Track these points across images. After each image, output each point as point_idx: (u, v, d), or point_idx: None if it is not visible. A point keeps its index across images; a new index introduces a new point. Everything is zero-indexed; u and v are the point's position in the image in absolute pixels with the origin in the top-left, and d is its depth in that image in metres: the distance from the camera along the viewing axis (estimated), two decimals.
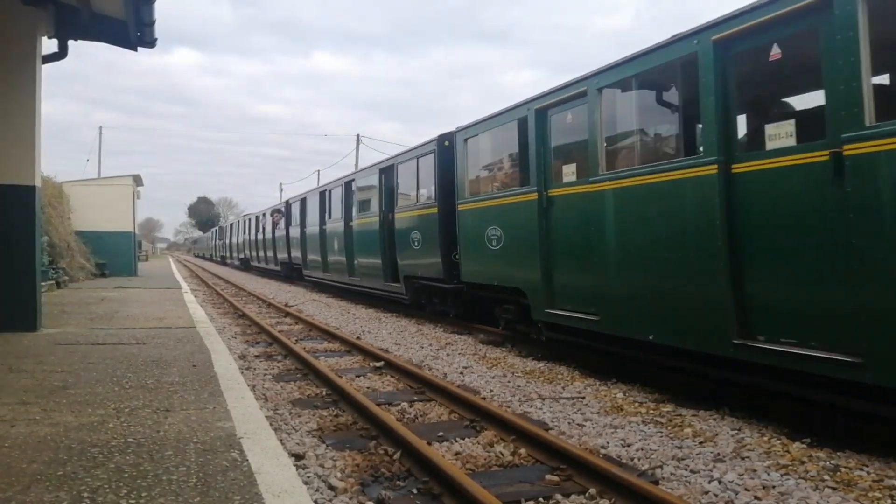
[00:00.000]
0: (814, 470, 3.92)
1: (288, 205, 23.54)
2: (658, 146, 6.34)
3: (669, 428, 4.88)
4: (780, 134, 4.64)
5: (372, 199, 14.06)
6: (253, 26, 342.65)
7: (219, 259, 52.15)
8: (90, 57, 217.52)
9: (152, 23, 8.14)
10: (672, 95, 6.11)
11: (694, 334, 5.30)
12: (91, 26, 8.40)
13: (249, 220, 33.84)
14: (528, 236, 7.64)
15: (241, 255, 36.98)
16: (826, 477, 3.82)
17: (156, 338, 7.80)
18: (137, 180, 24.90)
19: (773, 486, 3.67)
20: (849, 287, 4.14)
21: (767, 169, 4.69)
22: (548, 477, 3.88)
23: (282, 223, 24.12)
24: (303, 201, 21.14)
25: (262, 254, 29.20)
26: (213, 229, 65.38)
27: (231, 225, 44.19)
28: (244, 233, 35.25)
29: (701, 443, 4.49)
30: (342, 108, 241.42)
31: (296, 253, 21.76)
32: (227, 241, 44.90)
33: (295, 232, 22.11)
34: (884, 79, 5.44)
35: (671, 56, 5.55)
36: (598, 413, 5.33)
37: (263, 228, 28.45)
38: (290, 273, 23.94)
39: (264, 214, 28.59)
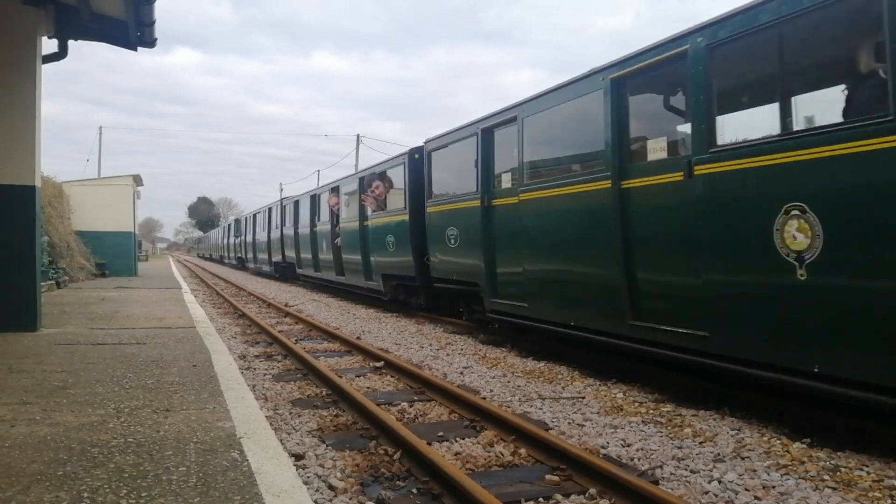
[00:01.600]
0: (814, 470, 3.92)
1: (415, 157, 11.36)
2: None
3: (669, 428, 4.88)
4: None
5: None
6: (253, 26, 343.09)
7: (234, 262, 39.96)
8: (90, 57, 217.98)
9: (152, 23, 8.15)
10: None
11: None
12: (91, 26, 8.41)
13: (294, 204, 21.39)
14: None
15: (277, 259, 24.59)
16: (826, 477, 3.82)
17: (156, 338, 7.80)
18: (137, 180, 24.92)
19: (773, 486, 3.67)
20: None
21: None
22: (548, 477, 3.88)
23: (390, 196, 12.91)
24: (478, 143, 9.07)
25: (327, 257, 17.06)
26: (225, 224, 52.49)
27: (255, 216, 30.70)
28: (284, 224, 23.05)
29: (701, 443, 4.49)
30: (342, 108, 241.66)
31: (452, 259, 9.86)
32: (249, 239, 32.23)
33: (448, 215, 9.93)
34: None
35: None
36: (598, 413, 5.33)
37: (334, 215, 16.40)
38: (409, 298, 12.40)
39: (335, 190, 16.47)
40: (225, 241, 45.53)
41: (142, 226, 79.03)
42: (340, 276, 16.12)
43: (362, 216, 13.93)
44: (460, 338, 9.57)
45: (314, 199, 18.81)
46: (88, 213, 22.34)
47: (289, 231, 22.19)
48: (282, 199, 24.52)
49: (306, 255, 19.57)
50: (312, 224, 18.72)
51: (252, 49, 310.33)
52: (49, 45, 8.54)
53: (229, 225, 44.64)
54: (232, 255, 40.89)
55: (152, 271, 28.80)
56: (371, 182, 13.40)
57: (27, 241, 8.03)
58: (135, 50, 8.90)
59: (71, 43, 8.69)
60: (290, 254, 22.01)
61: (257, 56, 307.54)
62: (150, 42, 8.69)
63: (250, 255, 32.24)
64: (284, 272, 24.52)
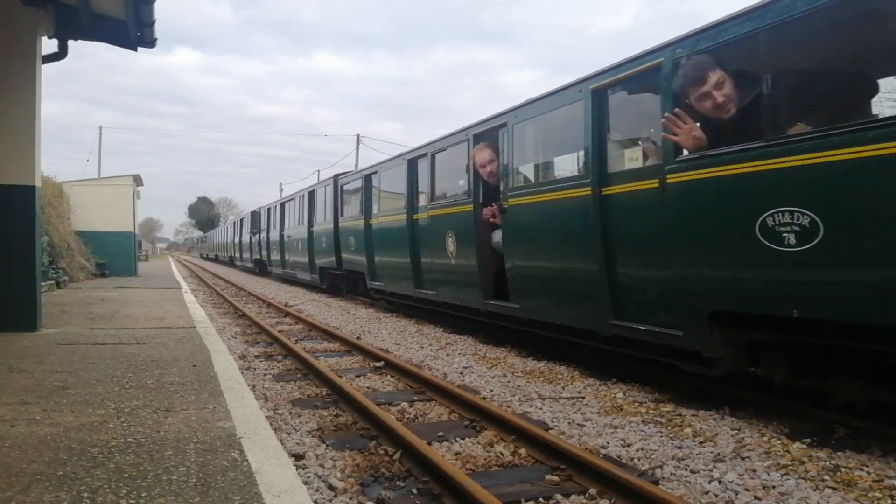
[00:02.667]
0: (814, 470, 3.92)
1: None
2: None
3: (669, 428, 4.88)
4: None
5: None
6: (253, 26, 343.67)
7: (249, 264, 32.25)
8: (90, 57, 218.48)
9: (152, 23, 8.15)
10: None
11: None
12: (91, 26, 8.41)
13: (364, 181, 13.80)
14: None
15: (325, 263, 16.88)
16: (826, 477, 3.82)
17: (156, 338, 7.80)
18: (137, 180, 24.92)
19: (773, 486, 3.67)
20: None
21: None
22: (548, 477, 3.88)
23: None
24: None
25: (458, 265, 9.22)
26: (235, 219, 43.01)
27: (283, 205, 23.31)
28: (342, 213, 15.72)
29: (701, 443, 4.49)
30: (342, 108, 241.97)
31: None
32: (274, 236, 24.33)
33: None
34: None
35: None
36: (598, 413, 5.33)
37: (479, 186, 8.70)
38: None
39: (488, 137, 8.54)
40: (237, 238, 36.94)
41: (142, 226, 78.99)
42: (496, 302, 8.39)
43: (600, 178, 6.18)
44: (460, 338, 9.57)
45: (414, 169, 10.95)
46: (88, 213, 22.35)
47: (352, 223, 14.53)
48: (337, 177, 16.14)
49: (395, 258, 11.68)
50: (411, 208, 10.93)
51: (252, 49, 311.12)
52: (49, 45, 8.55)
53: (242, 220, 35.99)
54: (246, 256, 33.00)
55: (152, 271, 28.80)
56: (697, 76, 5.03)
57: (27, 241, 8.03)
58: (135, 50, 8.90)
59: (71, 43, 8.69)
60: (355, 257, 14.26)
61: (257, 56, 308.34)
62: (150, 42, 8.69)
63: (275, 258, 24.31)
64: (338, 284, 17.17)
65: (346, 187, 15.61)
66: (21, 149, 7.94)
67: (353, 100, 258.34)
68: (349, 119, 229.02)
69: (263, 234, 27.25)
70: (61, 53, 8.65)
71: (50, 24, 8.28)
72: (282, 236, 22.95)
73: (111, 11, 8.26)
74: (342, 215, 15.68)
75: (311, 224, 18.53)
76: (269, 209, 26.63)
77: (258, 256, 28.95)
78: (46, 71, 8.47)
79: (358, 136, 42.93)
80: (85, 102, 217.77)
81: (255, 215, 30.24)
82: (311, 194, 18.79)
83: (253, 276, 29.32)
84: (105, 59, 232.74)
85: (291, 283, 21.93)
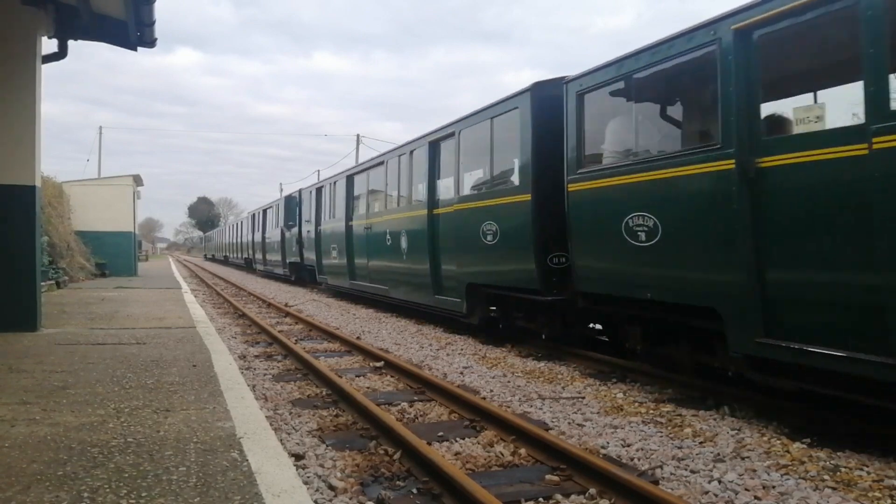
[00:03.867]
0: (814, 470, 3.92)
1: None
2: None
3: (669, 428, 4.88)
4: None
5: None
6: (253, 26, 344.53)
7: (280, 270, 23.85)
8: (90, 57, 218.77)
9: (152, 23, 8.15)
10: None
11: None
12: (91, 26, 8.41)
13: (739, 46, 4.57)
14: None
15: (481, 272, 8.55)
16: (826, 477, 3.82)
17: (156, 338, 7.80)
18: (137, 180, 24.92)
19: (773, 486, 3.67)
20: None
21: None
22: (548, 477, 3.88)
23: None
24: None
25: None
26: (257, 210, 30.37)
27: (350, 179, 15.34)
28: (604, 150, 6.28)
29: (701, 443, 4.49)
30: (342, 108, 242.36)
31: None
32: (333, 228, 16.38)
33: None
34: None
35: None
36: (598, 413, 5.34)
37: None
38: None
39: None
40: (256, 235, 28.87)
41: (142, 226, 78.99)
42: None
43: None
44: (460, 338, 9.57)
45: None
46: (88, 213, 22.36)
47: (683, 172, 5.25)
48: (569, 81, 6.70)
49: None
50: None
51: (252, 49, 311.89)
52: (49, 45, 8.55)
53: (266, 210, 27.27)
54: (274, 258, 24.70)
55: (152, 271, 28.80)
56: None
57: (27, 241, 8.03)
58: (135, 50, 8.90)
59: (71, 43, 8.68)
60: (694, 274, 5.25)
61: (257, 56, 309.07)
62: (150, 42, 8.69)
63: (332, 261, 16.48)
64: (558, 327, 7.78)
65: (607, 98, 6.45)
66: (21, 149, 7.94)
67: (353, 100, 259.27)
68: (349, 119, 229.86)
69: (308, 228, 19.19)
70: (61, 53, 8.64)
71: (50, 24, 8.28)
72: (349, 228, 15.16)
73: (111, 11, 8.26)
74: (580, 167, 6.66)
75: (433, 203, 10.40)
76: (318, 189, 18.54)
77: (295, 259, 21.07)
78: (46, 71, 8.48)
79: (358, 136, 42.96)
80: (85, 102, 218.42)
81: (290, 201, 21.96)
82: (435, 146, 10.47)
83: (283, 283, 22.35)
84: (105, 59, 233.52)
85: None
